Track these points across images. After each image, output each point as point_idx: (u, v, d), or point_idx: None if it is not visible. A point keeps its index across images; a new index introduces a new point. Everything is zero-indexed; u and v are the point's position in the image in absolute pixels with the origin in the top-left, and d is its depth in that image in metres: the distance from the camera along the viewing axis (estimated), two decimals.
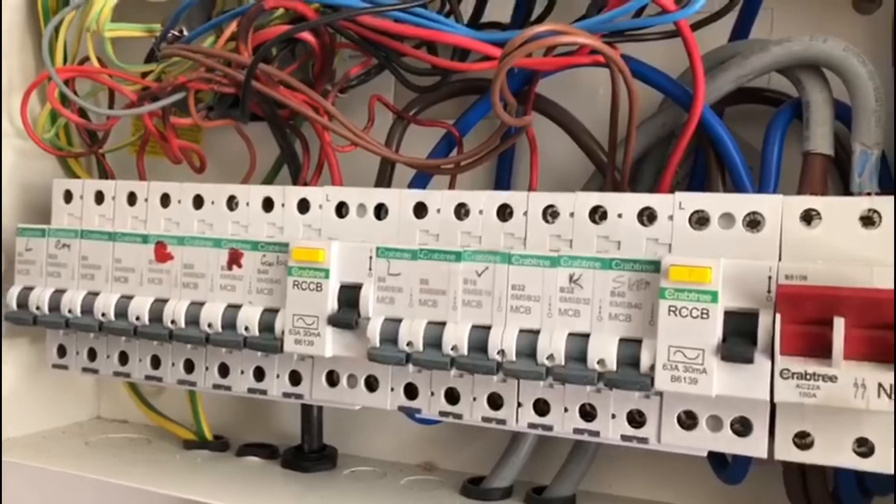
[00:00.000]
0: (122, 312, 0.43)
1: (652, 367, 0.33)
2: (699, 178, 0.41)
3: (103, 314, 0.44)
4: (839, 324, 0.31)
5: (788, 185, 0.39)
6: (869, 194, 0.36)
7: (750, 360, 0.32)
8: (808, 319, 0.31)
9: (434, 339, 0.37)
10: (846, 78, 0.36)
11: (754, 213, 0.34)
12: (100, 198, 0.46)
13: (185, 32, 0.46)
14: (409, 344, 0.37)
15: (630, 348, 0.34)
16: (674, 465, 0.43)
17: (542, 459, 0.45)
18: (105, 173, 0.51)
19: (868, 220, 0.33)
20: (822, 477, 0.38)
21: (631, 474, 0.46)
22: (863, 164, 0.36)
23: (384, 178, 0.45)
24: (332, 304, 0.39)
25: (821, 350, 0.31)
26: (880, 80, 0.37)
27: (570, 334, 0.35)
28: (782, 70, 0.38)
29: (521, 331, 0.36)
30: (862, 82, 0.36)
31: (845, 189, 0.38)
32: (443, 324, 0.37)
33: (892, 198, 0.33)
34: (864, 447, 0.33)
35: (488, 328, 0.36)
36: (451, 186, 0.44)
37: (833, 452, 0.33)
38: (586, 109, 0.44)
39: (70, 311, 0.44)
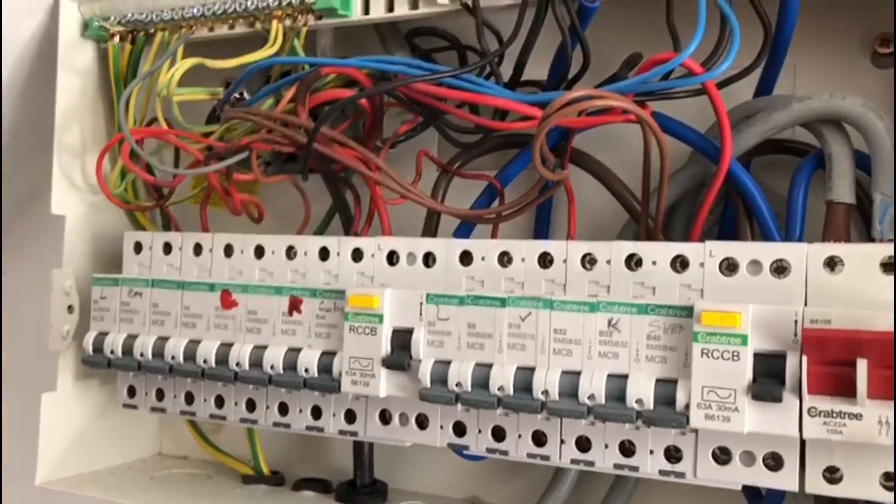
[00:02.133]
0: (190, 356, 0.47)
1: (687, 406, 0.36)
2: (728, 225, 0.44)
3: (173, 357, 0.47)
4: (862, 365, 0.33)
5: (815, 230, 0.41)
6: (891, 241, 0.39)
7: (779, 399, 0.34)
8: (833, 361, 0.34)
9: (481, 379, 0.40)
10: (865, 132, 0.39)
11: (780, 260, 0.37)
12: (167, 248, 0.50)
13: (246, 96, 0.50)
14: (457, 384, 0.40)
15: (666, 388, 0.37)
16: (710, 498, 0.45)
17: (583, 493, 0.47)
18: (169, 225, 0.55)
19: (888, 266, 0.35)
20: None
21: None
22: (883, 212, 0.38)
23: (430, 228, 0.48)
24: (385, 347, 0.42)
25: (846, 389, 0.34)
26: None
27: (609, 375, 0.38)
28: (805, 124, 0.41)
29: (564, 372, 0.38)
30: (880, 136, 0.38)
31: (868, 234, 0.40)
32: (489, 365, 0.40)
33: None
34: (891, 481, 0.35)
35: (532, 370, 0.39)
36: (494, 235, 0.47)
37: (861, 486, 0.35)
38: (621, 161, 0.46)
39: (142, 355, 0.48)
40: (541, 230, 0.50)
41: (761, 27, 0.41)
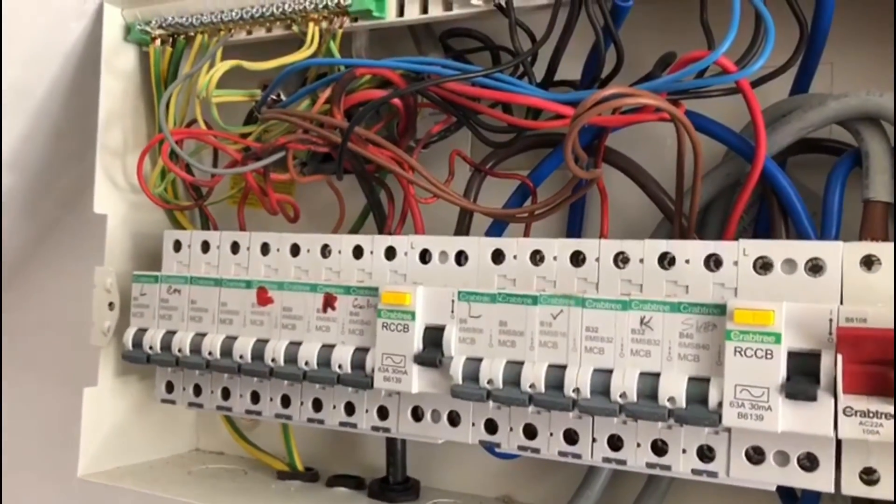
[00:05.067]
0: (226, 352, 0.47)
1: (720, 405, 0.36)
2: (764, 224, 0.43)
3: (210, 353, 0.48)
4: None
5: (852, 230, 0.40)
6: None
7: (813, 398, 0.34)
8: (869, 360, 0.33)
9: (513, 377, 0.40)
10: None
11: (815, 258, 0.36)
12: (206, 247, 0.51)
13: (283, 97, 0.51)
14: (489, 382, 0.40)
15: (698, 387, 0.36)
16: (744, 498, 0.45)
17: (616, 493, 0.47)
18: (208, 223, 0.56)
19: None
20: None
21: None
22: None
23: (463, 227, 0.48)
24: (417, 343, 0.42)
25: (882, 389, 0.33)
26: None
27: (641, 373, 0.38)
28: (841, 122, 0.41)
29: (596, 370, 0.38)
30: None
31: None
32: (521, 363, 0.40)
33: None
34: None
35: (564, 367, 0.39)
36: (526, 234, 0.47)
37: None
38: (654, 160, 0.46)
39: (180, 351, 0.49)
40: (573, 229, 0.50)
41: (797, 25, 0.41)
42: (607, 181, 0.46)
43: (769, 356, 0.35)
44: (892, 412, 0.33)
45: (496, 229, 0.48)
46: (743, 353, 0.35)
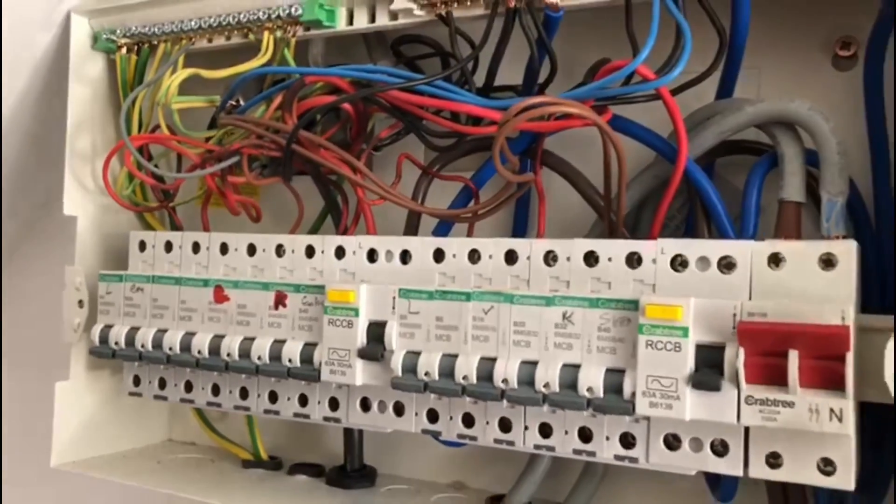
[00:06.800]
0: (186, 347, 0.50)
1: (633, 395, 0.38)
2: (692, 223, 0.46)
3: (170, 348, 0.50)
4: (794, 356, 0.35)
5: (772, 228, 0.43)
6: (837, 237, 0.40)
7: (717, 388, 0.36)
8: (768, 352, 0.36)
9: (448, 369, 0.42)
10: (812, 134, 0.41)
11: (727, 256, 0.39)
12: (169, 247, 0.53)
13: (242, 102, 0.53)
14: (426, 374, 0.43)
15: (615, 377, 0.39)
16: (677, 484, 0.47)
17: (558, 478, 0.50)
18: (175, 225, 0.58)
19: (827, 263, 0.37)
20: (802, 494, 0.42)
21: (638, 493, 0.49)
22: (829, 210, 0.40)
23: (412, 227, 0.51)
24: (361, 338, 0.45)
25: (780, 379, 0.35)
26: (855, 133, 0.41)
27: (563, 365, 0.40)
28: (760, 126, 0.43)
29: (522, 362, 0.41)
30: (826, 137, 0.40)
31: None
32: (456, 356, 0.42)
33: (846, 242, 0.37)
34: (829, 466, 0.36)
35: (494, 360, 0.41)
36: (470, 233, 0.49)
37: (800, 471, 0.37)
38: (591, 161, 0.48)
39: (143, 346, 0.51)
40: (519, 228, 0.52)
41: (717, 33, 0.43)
42: (551, 182, 0.49)
43: (678, 349, 0.37)
44: (789, 401, 0.35)
45: (443, 229, 0.50)
46: (654, 346, 0.38)
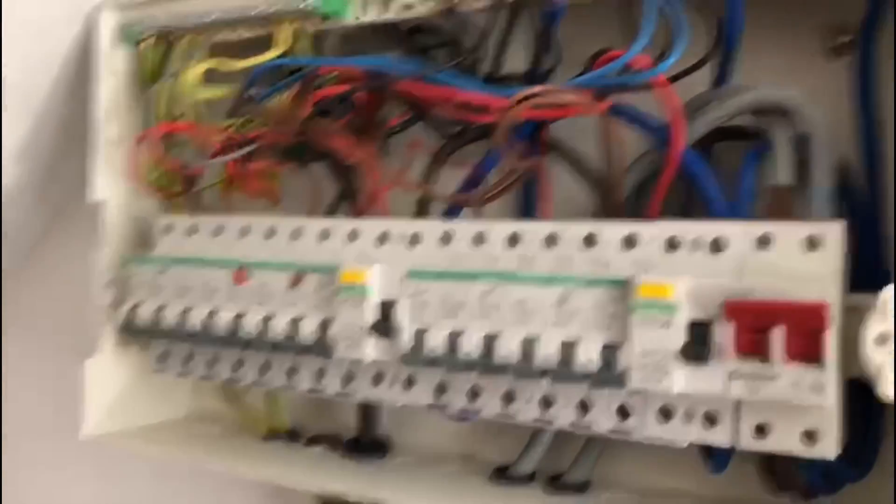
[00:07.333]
0: (209, 325, 0.53)
1: (627, 369, 0.40)
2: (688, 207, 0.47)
3: (194, 327, 0.53)
4: (778, 332, 0.37)
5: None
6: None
7: (706, 362, 0.39)
8: (753, 328, 0.38)
9: (453, 345, 0.45)
10: (802, 120, 0.42)
11: (718, 238, 0.41)
12: (192, 230, 0.56)
13: (260, 92, 0.56)
14: (434, 350, 0.45)
15: (610, 353, 0.41)
16: (674, 455, 0.49)
17: (561, 450, 0.52)
18: (197, 209, 0.61)
19: (813, 243, 0.39)
20: (790, 465, 0.44)
21: (638, 463, 0.52)
22: (817, 195, 0.42)
23: (423, 210, 0.53)
24: (373, 316, 0.47)
25: (765, 354, 0.37)
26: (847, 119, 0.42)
27: (562, 342, 0.42)
28: (753, 112, 0.44)
29: (523, 339, 0.43)
30: (815, 124, 0.42)
31: None
32: (462, 333, 0.45)
33: (832, 224, 0.38)
34: (812, 437, 0.38)
35: (497, 337, 0.44)
36: (477, 217, 0.51)
37: (785, 442, 0.39)
38: (594, 146, 0.50)
39: (168, 325, 0.54)
40: (526, 212, 0.55)
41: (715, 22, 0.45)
42: (558, 168, 0.51)
43: (669, 325, 0.39)
44: (773, 374, 0.37)
45: (452, 213, 0.53)
46: (647, 322, 0.40)
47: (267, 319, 0.51)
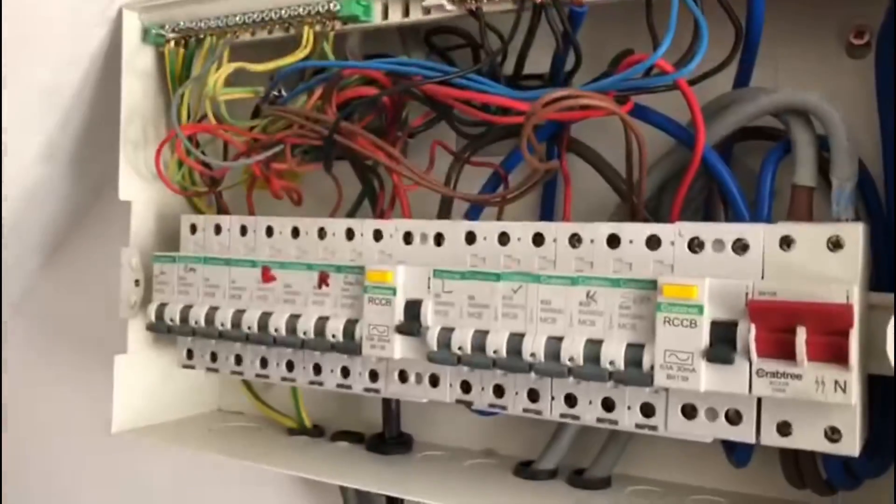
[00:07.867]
0: (236, 323, 0.54)
1: (652, 367, 0.41)
2: (710, 208, 0.48)
3: (222, 324, 0.54)
4: (801, 332, 0.38)
5: (786, 211, 0.45)
6: (847, 220, 0.42)
7: (731, 362, 0.39)
8: (777, 328, 0.38)
9: (480, 344, 0.45)
10: (823, 121, 0.43)
11: (741, 239, 0.41)
12: (218, 229, 0.57)
13: (284, 93, 0.56)
14: (459, 348, 0.46)
15: (635, 352, 0.42)
16: (696, 451, 0.50)
17: (583, 446, 0.53)
18: (222, 208, 0.62)
19: (835, 244, 0.39)
20: (812, 461, 0.45)
21: (660, 459, 0.52)
22: (839, 195, 0.42)
23: (445, 210, 0.54)
24: (399, 315, 0.48)
25: (789, 353, 0.38)
26: (868, 119, 0.43)
27: (587, 340, 0.43)
28: (774, 114, 0.45)
29: (549, 338, 0.44)
30: (836, 125, 0.42)
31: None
32: (487, 332, 0.46)
33: (853, 225, 0.39)
34: (835, 434, 0.39)
35: (522, 335, 0.45)
36: (499, 217, 0.52)
37: (809, 438, 0.40)
38: (615, 147, 0.51)
39: (196, 323, 0.55)
40: (547, 211, 0.55)
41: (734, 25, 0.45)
42: (575, 168, 0.51)
43: (693, 325, 0.40)
44: (797, 373, 0.38)
45: (474, 213, 0.53)
46: (671, 322, 0.40)
47: (294, 318, 0.52)
